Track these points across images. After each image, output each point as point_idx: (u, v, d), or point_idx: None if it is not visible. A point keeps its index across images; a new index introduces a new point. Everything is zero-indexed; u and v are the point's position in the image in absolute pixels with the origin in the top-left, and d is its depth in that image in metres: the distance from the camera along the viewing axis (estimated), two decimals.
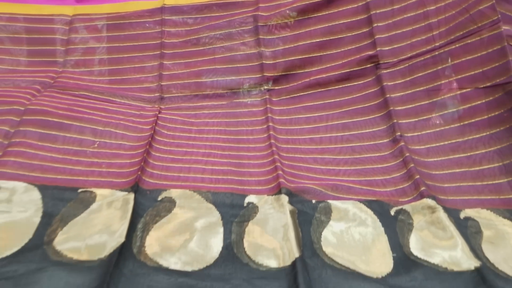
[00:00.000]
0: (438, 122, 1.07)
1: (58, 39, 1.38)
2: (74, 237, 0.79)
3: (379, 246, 0.82)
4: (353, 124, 1.14)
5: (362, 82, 1.19)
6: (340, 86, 1.21)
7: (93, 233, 0.80)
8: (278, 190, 0.92)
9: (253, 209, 0.89)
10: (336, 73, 1.21)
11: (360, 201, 0.91)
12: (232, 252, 0.79)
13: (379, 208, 0.90)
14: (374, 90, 1.16)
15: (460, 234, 0.81)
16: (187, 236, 0.82)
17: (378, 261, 0.79)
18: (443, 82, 1.08)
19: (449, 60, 1.08)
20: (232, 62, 1.31)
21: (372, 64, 1.18)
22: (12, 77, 1.28)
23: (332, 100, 1.20)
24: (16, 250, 0.75)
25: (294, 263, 0.75)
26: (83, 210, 0.85)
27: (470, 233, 0.85)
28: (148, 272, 0.73)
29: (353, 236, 0.84)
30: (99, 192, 0.90)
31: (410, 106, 1.10)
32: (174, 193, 0.92)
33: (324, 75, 1.22)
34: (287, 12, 1.29)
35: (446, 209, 0.87)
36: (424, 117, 1.08)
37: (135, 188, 0.91)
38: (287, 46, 1.29)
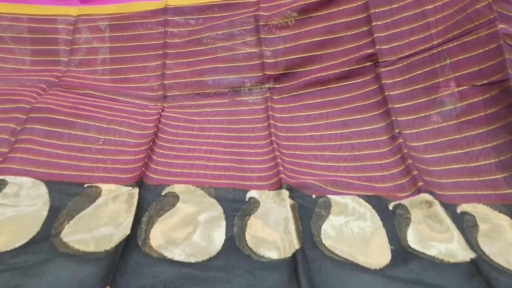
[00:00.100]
0: (436, 119, 1.08)
1: (62, 39, 1.40)
2: (81, 230, 0.81)
3: (378, 239, 0.84)
4: (352, 121, 1.16)
5: (361, 80, 1.21)
6: (340, 84, 1.22)
7: (100, 225, 0.82)
8: (279, 185, 0.94)
9: (254, 204, 0.91)
10: (336, 71, 1.23)
11: (359, 196, 0.93)
12: (234, 244, 0.81)
13: (378, 203, 0.92)
14: (373, 88, 1.18)
15: (457, 228, 0.83)
16: (191, 229, 0.84)
17: (376, 253, 0.81)
18: (441, 80, 1.10)
19: (448, 60, 1.09)
20: (234, 61, 1.33)
21: (371, 63, 1.20)
22: (17, 76, 1.31)
23: (332, 98, 1.22)
24: (24, 242, 0.78)
25: (294, 255, 0.77)
26: (89, 204, 0.88)
27: (467, 226, 0.86)
28: (153, 263, 0.76)
29: (352, 230, 0.86)
30: (105, 187, 0.92)
31: (409, 103, 1.12)
32: (177, 188, 0.94)
33: (324, 74, 1.24)
34: (288, 12, 1.31)
35: (443, 204, 0.89)
36: (422, 115, 1.10)
37: (140, 183, 0.93)
38: (287, 45, 1.31)
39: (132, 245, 0.78)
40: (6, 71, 1.33)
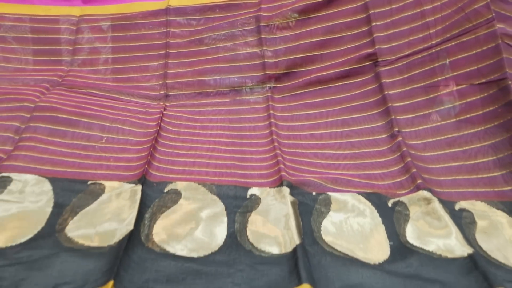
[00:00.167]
0: (435, 118, 1.10)
1: (64, 39, 1.42)
2: (85, 225, 0.83)
3: (377, 236, 0.85)
4: (352, 120, 1.17)
5: (361, 79, 1.22)
6: (340, 83, 1.24)
7: (103, 221, 0.83)
8: (279, 183, 0.95)
9: (255, 201, 0.93)
10: (336, 71, 1.24)
11: (359, 193, 0.95)
12: (235, 240, 0.83)
13: (377, 200, 0.93)
14: (372, 87, 1.19)
15: (455, 224, 0.84)
16: (193, 225, 0.85)
17: (376, 249, 0.82)
18: (439, 79, 1.11)
19: (447, 61, 1.11)
20: (235, 61, 1.35)
21: (370, 62, 1.21)
22: (21, 76, 1.32)
23: (332, 97, 1.23)
24: (29, 238, 0.79)
25: (295, 250, 0.78)
26: (93, 201, 0.89)
27: (465, 223, 0.87)
28: (155, 257, 0.77)
29: (352, 226, 0.87)
30: (108, 184, 0.94)
31: (408, 102, 1.13)
32: (179, 185, 0.96)
33: (324, 73, 1.26)
34: (289, 13, 1.33)
35: (441, 201, 0.90)
36: (421, 113, 1.11)
37: (142, 180, 0.94)
38: (288, 45, 1.32)
39: (135, 240, 0.79)
40: (10, 71, 1.35)
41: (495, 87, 1.02)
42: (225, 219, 0.87)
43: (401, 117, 1.12)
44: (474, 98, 1.05)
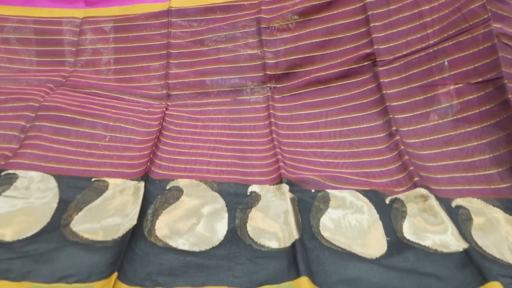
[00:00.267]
0: (433, 117, 1.11)
1: (67, 40, 1.44)
2: (90, 220, 0.85)
3: (374, 232, 0.86)
4: (351, 119, 1.18)
5: (359, 79, 1.24)
6: (339, 83, 1.25)
7: (107, 216, 0.86)
8: (279, 180, 0.97)
9: (255, 197, 0.94)
10: (335, 71, 1.26)
11: (357, 190, 0.96)
12: (236, 235, 0.85)
13: (375, 197, 0.95)
14: (371, 87, 1.21)
15: (451, 220, 0.86)
16: (194, 221, 0.87)
17: (373, 244, 0.83)
18: (437, 78, 1.12)
19: (446, 61, 1.12)
20: (236, 62, 1.37)
21: (369, 62, 1.23)
22: (25, 76, 1.34)
23: (331, 97, 1.25)
24: (35, 232, 0.81)
25: (293, 244, 0.80)
26: (97, 197, 0.91)
27: (461, 220, 0.89)
28: (158, 251, 0.79)
29: (350, 222, 0.89)
30: (112, 181, 0.96)
31: (406, 101, 1.15)
32: (181, 182, 0.98)
33: (323, 73, 1.27)
34: (289, 15, 1.35)
35: (438, 198, 0.91)
36: (419, 112, 1.12)
37: (145, 177, 0.96)
38: (288, 46, 1.34)
39: (138, 235, 0.81)
40: (14, 71, 1.37)
41: (491, 86, 1.04)
42: (226, 215, 0.89)
43: (399, 116, 1.13)
44: (471, 97, 1.07)
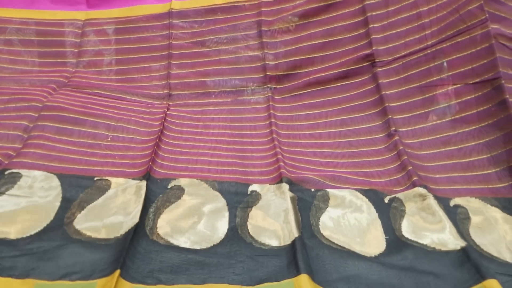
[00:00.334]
0: (431, 118, 1.12)
1: (69, 42, 1.45)
2: (92, 219, 0.86)
3: (373, 230, 0.88)
4: (350, 120, 1.19)
5: (359, 80, 1.25)
6: (339, 84, 1.26)
7: (110, 215, 0.87)
8: (279, 180, 0.98)
9: (256, 196, 0.96)
10: (335, 72, 1.27)
11: (356, 190, 0.97)
12: (236, 233, 0.86)
13: (374, 196, 0.96)
14: (370, 87, 1.22)
15: (449, 219, 0.87)
16: (195, 219, 0.88)
17: (372, 242, 0.85)
18: (435, 79, 1.13)
19: (445, 62, 1.13)
20: (237, 63, 1.38)
21: (368, 63, 1.24)
22: (28, 77, 1.36)
23: (331, 98, 1.26)
24: (39, 230, 0.83)
25: (293, 242, 0.81)
26: (99, 196, 0.92)
27: (459, 219, 0.90)
28: (160, 249, 0.80)
29: (349, 221, 0.90)
30: (114, 180, 0.97)
31: (404, 102, 1.16)
32: (183, 181, 0.99)
33: (323, 74, 1.28)
34: (289, 17, 1.36)
35: (436, 197, 0.92)
36: (418, 113, 1.13)
37: (147, 177, 0.97)
38: (288, 48, 1.35)
39: (140, 233, 0.83)
40: (16, 72, 1.38)
41: (489, 86, 1.05)
42: (227, 213, 0.91)
43: (398, 116, 1.14)
44: (468, 97, 1.08)
